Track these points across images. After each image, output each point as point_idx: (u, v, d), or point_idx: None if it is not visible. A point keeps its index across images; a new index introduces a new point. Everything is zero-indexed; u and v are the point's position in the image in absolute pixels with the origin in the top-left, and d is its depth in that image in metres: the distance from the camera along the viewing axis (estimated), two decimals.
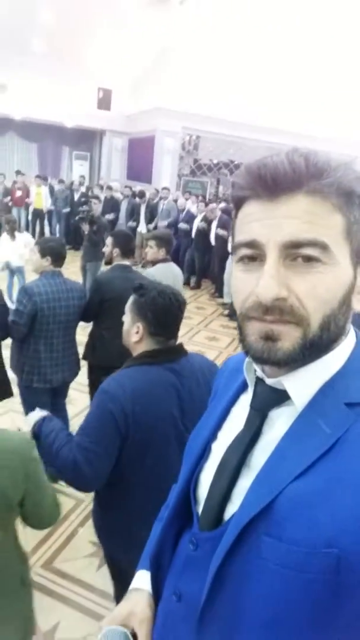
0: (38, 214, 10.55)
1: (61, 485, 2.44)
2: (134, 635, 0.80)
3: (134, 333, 1.54)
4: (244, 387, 0.77)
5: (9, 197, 10.23)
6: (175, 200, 9.66)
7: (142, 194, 9.73)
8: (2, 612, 1.29)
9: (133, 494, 1.50)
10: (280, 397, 0.65)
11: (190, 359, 1.57)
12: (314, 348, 0.60)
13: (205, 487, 0.73)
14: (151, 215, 9.48)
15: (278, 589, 0.57)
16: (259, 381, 0.69)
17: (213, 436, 0.77)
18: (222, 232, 7.46)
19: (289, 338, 0.59)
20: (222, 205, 8.54)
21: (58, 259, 2.69)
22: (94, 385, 3.06)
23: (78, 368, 2.97)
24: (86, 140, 15.19)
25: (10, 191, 10.41)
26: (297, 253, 0.58)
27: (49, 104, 12.63)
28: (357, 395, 0.61)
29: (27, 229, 10.21)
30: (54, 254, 2.66)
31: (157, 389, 1.47)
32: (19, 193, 10.30)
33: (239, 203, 0.64)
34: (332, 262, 0.58)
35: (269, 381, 0.67)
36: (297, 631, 0.57)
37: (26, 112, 13.08)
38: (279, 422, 0.66)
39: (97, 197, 8.65)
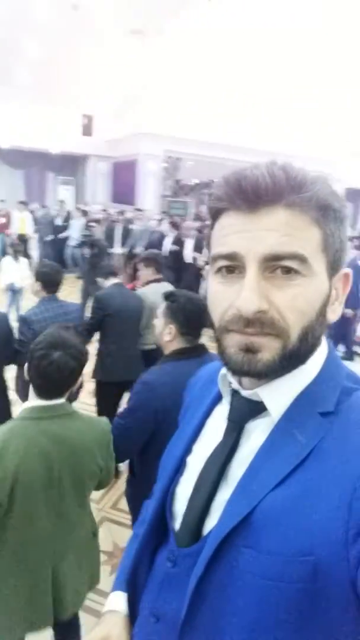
0: (22, 240, 10.29)
1: None
2: None
3: (166, 334, 1.79)
4: (218, 399, 0.76)
5: None
6: (160, 220, 9.82)
7: (121, 214, 9.86)
8: (80, 560, 1.54)
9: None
10: (257, 408, 0.65)
11: (212, 356, 1.77)
12: (292, 359, 0.61)
13: (182, 501, 0.72)
14: (124, 238, 9.51)
15: (257, 599, 0.57)
16: (234, 393, 0.69)
17: (188, 449, 0.76)
18: (196, 254, 7.45)
19: (269, 349, 0.60)
20: (197, 224, 8.61)
21: (49, 284, 2.70)
22: (103, 399, 3.15)
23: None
24: (71, 165, 15.49)
25: None
26: (277, 265, 0.58)
27: (34, 132, 12.94)
28: (331, 404, 0.61)
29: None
30: (45, 280, 2.69)
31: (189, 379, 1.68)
32: (1, 220, 10.23)
33: (216, 214, 0.64)
34: (311, 274, 0.59)
35: (245, 393, 0.67)
36: (278, 636, 0.56)
37: (12, 141, 13.37)
38: (256, 434, 0.66)
39: (97, 221, 8.75)
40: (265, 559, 0.56)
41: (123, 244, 9.40)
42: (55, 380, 1.39)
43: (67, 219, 10.49)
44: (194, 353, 1.78)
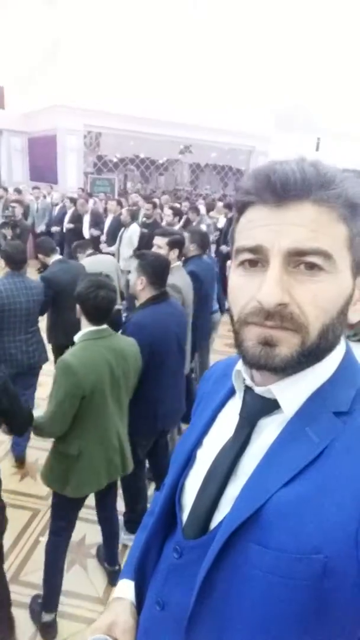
0: None
1: (16, 499, 2.86)
2: None
3: (139, 284, 2.34)
4: (230, 394, 0.77)
5: None
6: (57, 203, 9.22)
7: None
8: (125, 434, 2.19)
9: (157, 385, 2.34)
10: (270, 406, 0.66)
11: (172, 300, 2.54)
12: (311, 356, 0.61)
13: (190, 494, 0.72)
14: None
15: (265, 595, 0.57)
16: (247, 390, 0.69)
17: (199, 443, 0.77)
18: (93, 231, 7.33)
19: (287, 344, 0.60)
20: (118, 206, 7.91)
21: (12, 262, 3.07)
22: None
23: (45, 354, 3.33)
24: None
25: None
26: (301, 260, 0.58)
27: None
28: (345, 404, 0.61)
29: None
30: (8, 258, 3.07)
31: (165, 317, 2.37)
32: None
33: (242, 208, 0.64)
34: (335, 271, 0.59)
35: (258, 390, 0.67)
36: (285, 635, 0.57)
37: None
38: (268, 431, 0.66)
39: (18, 202, 8.24)
40: (273, 556, 0.57)
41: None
42: (105, 309, 1.95)
43: None
44: (162, 297, 2.40)
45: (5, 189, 9.92)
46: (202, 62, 11.06)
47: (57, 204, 8.99)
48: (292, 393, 0.64)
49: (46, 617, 2.07)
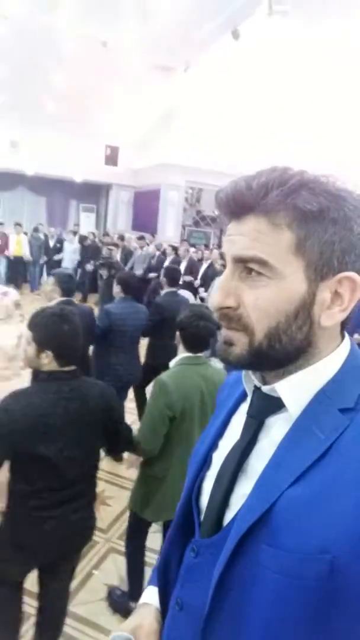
0: (19, 261, 10.70)
1: None
2: None
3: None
4: (243, 397, 0.79)
5: None
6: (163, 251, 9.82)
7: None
8: None
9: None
10: (276, 404, 0.67)
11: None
12: (265, 356, 0.63)
13: (207, 495, 0.74)
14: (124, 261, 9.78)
15: (276, 596, 0.57)
16: (256, 390, 0.71)
17: (214, 445, 0.79)
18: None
19: (239, 344, 0.64)
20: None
21: (126, 288, 3.58)
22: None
23: (140, 372, 3.72)
24: (93, 193, 15.82)
25: None
26: (246, 267, 0.62)
27: (58, 160, 13.23)
28: (350, 400, 0.62)
29: (6, 278, 10.41)
30: (123, 284, 3.49)
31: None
32: None
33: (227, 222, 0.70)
34: (276, 277, 0.61)
35: (264, 389, 0.68)
36: (296, 637, 0.57)
37: (37, 168, 13.70)
38: (275, 429, 0.67)
39: (115, 245, 9.08)
40: (282, 556, 0.57)
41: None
42: (203, 338, 2.07)
43: (61, 241, 10.84)
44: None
45: (107, 234, 10.83)
46: (302, 125, 11.49)
47: (152, 256, 9.63)
48: (296, 391, 0.64)
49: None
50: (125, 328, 3.46)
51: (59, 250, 11.17)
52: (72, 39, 9.70)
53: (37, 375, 1.75)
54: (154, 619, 0.84)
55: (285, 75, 10.14)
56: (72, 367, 1.69)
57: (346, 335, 0.68)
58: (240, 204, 0.62)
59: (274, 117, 11.29)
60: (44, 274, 11.19)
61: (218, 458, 0.75)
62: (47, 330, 1.62)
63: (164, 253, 9.31)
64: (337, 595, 0.54)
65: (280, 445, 0.64)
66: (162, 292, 4.16)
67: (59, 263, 10.77)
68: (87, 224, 15.30)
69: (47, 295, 3.50)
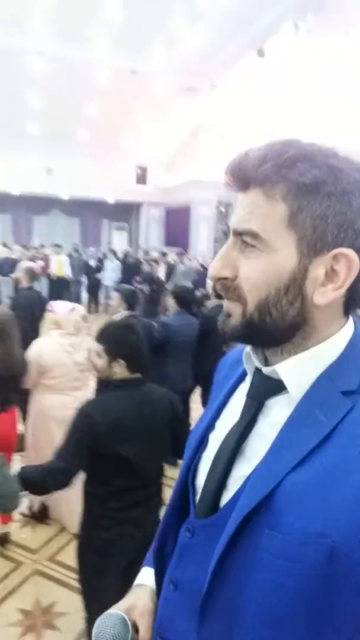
0: (61, 281, 10.90)
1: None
2: (136, 628, 0.80)
3: None
4: (242, 377, 0.77)
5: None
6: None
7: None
8: None
9: None
10: (277, 386, 0.65)
11: None
12: (258, 328, 0.63)
13: (203, 476, 0.73)
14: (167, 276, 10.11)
15: (275, 580, 0.57)
16: (257, 371, 0.70)
17: (211, 426, 0.77)
18: None
19: (234, 315, 0.65)
20: None
21: (182, 302, 3.75)
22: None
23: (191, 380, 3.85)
24: (124, 212, 16.26)
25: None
26: (242, 239, 0.62)
27: (91, 183, 13.72)
28: (353, 383, 0.61)
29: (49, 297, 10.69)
30: (179, 298, 3.72)
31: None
32: (41, 263, 10.51)
33: None
34: (266, 249, 0.60)
35: (265, 370, 0.67)
36: (295, 624, 0.56)
37: (71, 192, 14.26)
38: (275, 410, 0.66)
39: (155, 261, 9.39)
40: (282, 539, 0.56)
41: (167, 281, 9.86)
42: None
43: (101, 260, 11.16)
44: None
45: (147, 252, 11.16)
46: (329, 140, 11.52)
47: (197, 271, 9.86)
48: (297, 373, 0.63)
49: None
50: (181, 339, 3.65)
51: (98, 269, 11.60)
52: (104, 69, 10.15)
53: (108, 384, 1.86)
54: (149, 599, 0.83)
55: (310, 91, 10.30)
56: (140, 375, 1.81)
57: (350, 316, 0.66)
58: (239, 176, 0.62)
59: (298, 132, 11.39)
60: (83, 292, 11.64)
61: (215, 439, 0.74)
62: (117, 340, 1.78)
63: (204, 267, 9.53)
64: (337, 581, 0.53)
65: (283, 429, 0.62)
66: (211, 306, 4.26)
67: (98, 281, 11.21)
68: (119, 242, 15.75)
69: (114, 309, 3.76)
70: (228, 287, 0.64)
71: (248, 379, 0.72)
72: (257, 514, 0.59)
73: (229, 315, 0.65)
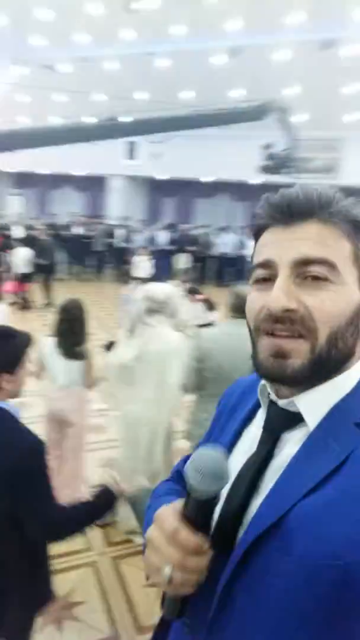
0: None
1: None
2: None
3: None
4: (255, 409, 0.77)
5: None
6: None
7: None
8: None
9: None
10: (293, 419, 0.66)
11: None
12: (322, 365, 0.63)
13: (216, 512, 0.68)
14: None
15: (285, 604, 0.56)
16: (271, 403, 0.70)
17: None
18: None
19: (298, 354, 0.62)
20: None
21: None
22: None
23: None
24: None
25: None
26: (307, 271, 0.62)
27: None
28: None
29: None
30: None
31: None
32: None
33: (258, 232, 0.70)
34: (340, 282, 0.62)
35: (282, 403, 0.67)
36: None
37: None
38: (290, 445, 0.66)
39: None
40: (294, 563, 0.56)
41: None
42: None
43: None
44: None
45: None
46: None
47: None
48: (315, 406, 0.64)
49: None
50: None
51: None
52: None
53: None
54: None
55: None
56: None
57: None
58: (299, 209, 0.64)
59: None
60: None
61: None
62: None
63: None
64: (348, 603, 0.53)
65: (295, 456, 0.63)
66: None
67: None
68: None
69: None
70: (294, 320, 0.62)
71: (262, 411, 0.73)
72: (267, 539, 0.59)
73: (286, 356, 0.63)
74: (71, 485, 3.10)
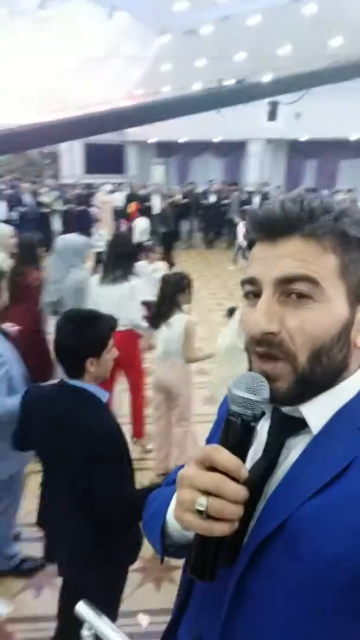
0: None
1: None
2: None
3: None
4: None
5: None
6: None
7: None
8: None
9: None
10: (297, 425, 0.66)
11: None
12: (309, 383, 0.62)
13: None
14: None
15: (295, 607, 0.57)
16: (275, 409, 0.69)
17: None
18: None
19: (282, 378, 0.62)
20: None
21: None
22: None
23: None
24: None
25: None
26: (290, 289, 0.61)
27: None
28: None
29: None
30: None
31: None
32: None
33: (250, 245, 0.70)
34: (323, 299, 0.61)
35: (286, 409, 0.67)
36: None
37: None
38: (296, 450, 0.65)
39: None
40: (302, 566, 0.56)
41: None
42: None
43: None
44: None
45: None
46: None
47: None
48: (320, 412, 0.64)
49: None
50: None
51: None
52: None
53: None
54: None
55: None
56: None
57: None
58: (281, 225, 0.62)
59: None
60: None
61: None
62: None
63: None
64: (357, 604, 0.53)
65: (299, 459, 0.63)
66: None
67: None
68: None
69: None
70: (272, 343, 0.61)
71: (265, 417, 0.70)
72: (273, 542, 0.60)
73: (273, 380, 0.62)
74: (175, 452, 3.24)
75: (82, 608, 1.37)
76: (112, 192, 12.93)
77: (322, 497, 0.58)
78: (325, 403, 0.64)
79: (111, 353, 1.67)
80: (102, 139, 15.77)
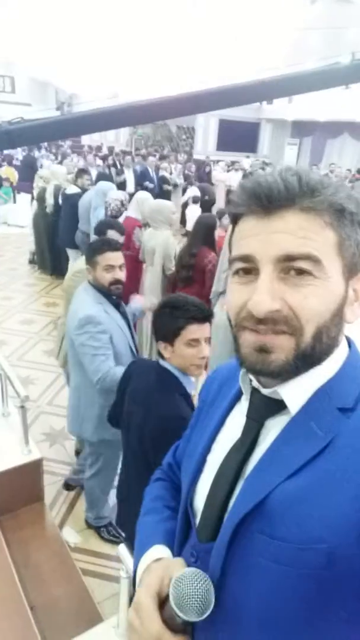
0: None
1: None
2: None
3: None
4: (238, 396, 0.76)
5: None
6: None
7: None
8: None
9: None
10: (276, 406, 0.66)
11: None
12: (307, 359, 0.61)
13: (201, 498, 0.72)
14: None
15: (272, 586, 0.58)
16: (254, 391, 0.69)
17: (208, 448, 0.76)
18: None
19: (282, 350, 0.60)
20: None
21: None
22: None
23: None
24: None
25: None
26: (290, 266, 0.59)
27: None
28: (350, 400, 0.62)
29: None
30: None
31: None
32: None
33: (235, 219, 0.66)
34: (324, 275, 0.59)
35: (265, 391, 0.67)
36: (293, 628, 0.57)
37: None
38: (274, 431, 0.65)
39: None
40: (278, 545, 0.57)
41: None
42: None
43: None
44: None
45: None
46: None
47: None
48: (298, 393, 0.63)
49: None
50: None
51: None
52: None
53: None
54: (179, 560, 0.74)
55: None
56: None
57: (344, 335, 0.68)
58: (279, 198, 0.59)
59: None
60: None
61: (212, 460, 0.73)
62: None
63: None
64: (333, 586, 0.54)
65: (278, 439, 0.64)
66: None
67: None
68: None
69: None
70: (277, 320, 0.60)
71: (245, 399, 0.72)
72: (251, 521, 0.60)
73: (268, 351, 0.61)
74: None
75: (123, 550, 1.44)
76: (227, 171, 12.48)
77: (300, 478, 0.59)
78: (304, 384, 0.64)
79: (196, 350, 1.59)
80: (238, 116, 15.81)
